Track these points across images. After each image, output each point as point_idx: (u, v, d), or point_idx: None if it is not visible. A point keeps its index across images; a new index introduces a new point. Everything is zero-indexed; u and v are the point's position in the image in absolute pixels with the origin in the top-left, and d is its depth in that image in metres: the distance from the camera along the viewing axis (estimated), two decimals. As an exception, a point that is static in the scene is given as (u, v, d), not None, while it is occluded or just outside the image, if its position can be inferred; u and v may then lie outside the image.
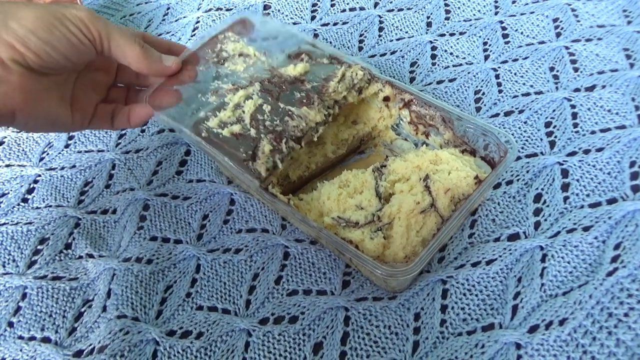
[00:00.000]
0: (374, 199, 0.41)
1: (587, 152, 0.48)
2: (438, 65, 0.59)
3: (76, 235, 0.46)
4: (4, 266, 0.44)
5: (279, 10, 0.68)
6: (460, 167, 0.42)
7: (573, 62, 0.56)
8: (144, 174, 0.50)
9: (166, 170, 0.51)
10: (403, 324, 0.39)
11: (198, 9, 0.70)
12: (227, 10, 0.69)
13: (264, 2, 0.69)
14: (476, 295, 0.40)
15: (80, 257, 0.45)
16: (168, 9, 0.71)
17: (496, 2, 0.65)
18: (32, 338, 0.40)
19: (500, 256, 0.42)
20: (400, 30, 0.63)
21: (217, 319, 0.40)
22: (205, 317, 0.40)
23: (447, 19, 0.64)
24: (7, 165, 0.53)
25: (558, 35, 0.59)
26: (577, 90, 0.53)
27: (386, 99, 0.49)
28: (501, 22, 0.62)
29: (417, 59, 0.60)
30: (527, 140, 0.50)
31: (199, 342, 0.39)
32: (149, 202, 0.48)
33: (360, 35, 0.64)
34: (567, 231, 0.43)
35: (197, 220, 0.47)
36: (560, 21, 0.60)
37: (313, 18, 0.67)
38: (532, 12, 0.62)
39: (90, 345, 0.39)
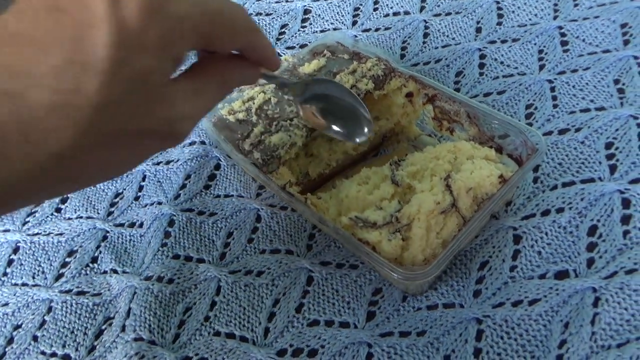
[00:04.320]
0: (391, 189, 0.40)
1: (654, 179, 0.42)
2: (486, 75, 0.54)
3: (103, 249, 0.46)
4: (33, 277, 0.45)
5: (319, 15, 0.66)
6: (484, 165, 0.40)
7: (642, 74, 0.50)
8: (172, 187, 0.50)
9: (194, 185, 0.50)
10: (430, 367, 0.36)
11: (238, 15, 0.69)
12: (267, 15, 0.67)
13: (305, 6, 0.67)
14: (515, 340, 0.36)
15: (105, 272, 0.45)
16: (209, 14, 0.70)
17: (556, 5, 0.59)
18: (54, 354, 0.40)
19: (545, 296, 0.37)
20: (447, 36, 0.59)
21: (234, 346, 0.38)
22: (222, 344, 0.39)
23: (499, 24, 0.59)
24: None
25: (626, 43, 0.53)
26: (645, 106, 0.47)
27: (409, 94, 0.48)
28: (560, 27, 0.56)
29: (464, 68, 0.55)
30: (583, 163, 0.45)
31: (214, 371, 0.38)
32: (175, 218, 0.47)
33: (403, 42, 0.60)
34: (626, 272, 0.37)
35: (221, 238, 0.45)
36: (630, 27, 0.54)
37: (354, 23, 0.64)
38: (596, 17, 0.56)
39: (108, 365, 0.39)
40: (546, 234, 0.41)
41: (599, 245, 0.40)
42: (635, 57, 0.51)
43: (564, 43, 0.55)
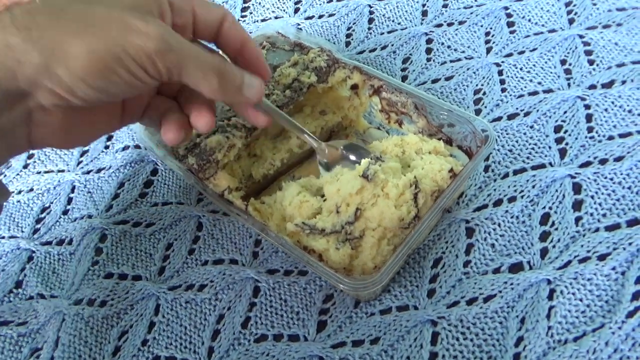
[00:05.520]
0: (357, 184, 0.35)
1: (603, 162, 0.41)
2: (434, 61, 0.52)
3: (28, 272, 0.42)
4: (-52, 309, 0.41)
5: (259, 3, 0.62)
6: (433, 160, 0.38)
7: (588, 53, 0.49)
8: (104, 197, 0.45)
9: (129, 193, 0.46)
10: (385, 377, 0.34)
11: (173, 5, 0.64)
12: (204, 5, 0.63)
13: (243, -6, 0.63)
14: (471, 340, 0.34)
15: (31, 297, 0.40)
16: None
17: (501, -16, 0.57)
18: (-27, 395, 0.36)
19: (500, 291, 0.36)
20: (393, 21, 0.57)
21: (175, 371, 0.36)
22: (161, 370, 0.36)
23: (445, 6, 0.57)
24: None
25: (571, 22, 0.52)
26: (592, 87, 0.46)
27: (354, 86, 0.45)
28: (506, 8, 0.55)
29: (411, 54, 0.53)
30: (533, 149, 0.43)
31: (155, 399, 0.34)
32: (107, 232, 0.43)
33: (348, 29, 0.57)
34: (580, 261, 0.36)
35: (159, 251, 0.42)
36: (574, 5, 0.53)
37: (297, 11, 0.60)
38: (541, -5, 0.55)
39: (36, 402, 0.35)
40: (499, 225, 0.39)
41: (552, 234, 0.38)
42: (581, 36, 0.50)
43: (510, 24, 0.53)
